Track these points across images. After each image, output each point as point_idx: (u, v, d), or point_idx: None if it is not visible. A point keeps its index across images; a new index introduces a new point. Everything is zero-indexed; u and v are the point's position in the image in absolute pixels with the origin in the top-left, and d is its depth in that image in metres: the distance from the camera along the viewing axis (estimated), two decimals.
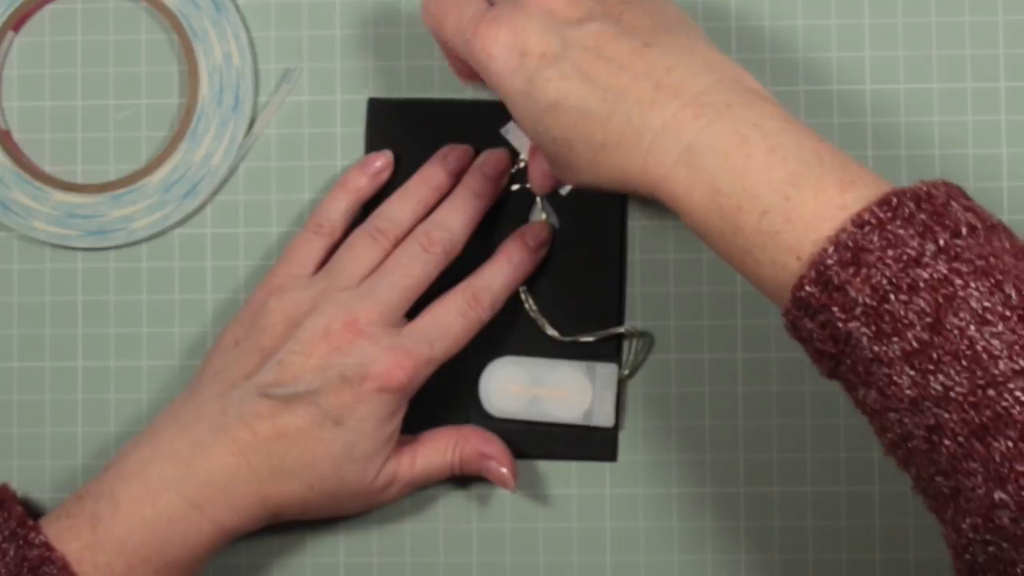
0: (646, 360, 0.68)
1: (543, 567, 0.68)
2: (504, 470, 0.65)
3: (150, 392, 0.70)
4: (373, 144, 0.69)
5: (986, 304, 0.49)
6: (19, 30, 0.70)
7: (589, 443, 0.68)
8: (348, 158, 0.69)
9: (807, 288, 0.51)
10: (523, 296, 0.68)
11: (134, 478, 0.61)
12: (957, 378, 0.49)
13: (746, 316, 0.68)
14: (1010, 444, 0.48)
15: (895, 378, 0.50)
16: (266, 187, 0.70)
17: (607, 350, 0.68)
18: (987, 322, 0.49)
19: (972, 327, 0.49)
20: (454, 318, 0.64)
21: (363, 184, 0.67)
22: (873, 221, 0.51)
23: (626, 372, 0.68)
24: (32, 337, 0.70)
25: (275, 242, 0.69)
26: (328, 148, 0.70)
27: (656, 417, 0.68)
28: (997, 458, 0.48)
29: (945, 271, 0.49)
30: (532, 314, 0.68)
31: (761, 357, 0.68)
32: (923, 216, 0.51)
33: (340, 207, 0.67)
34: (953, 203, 0.51)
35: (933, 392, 0.49)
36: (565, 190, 0.68)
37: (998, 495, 0.48)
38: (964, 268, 0.49)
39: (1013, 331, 0.48)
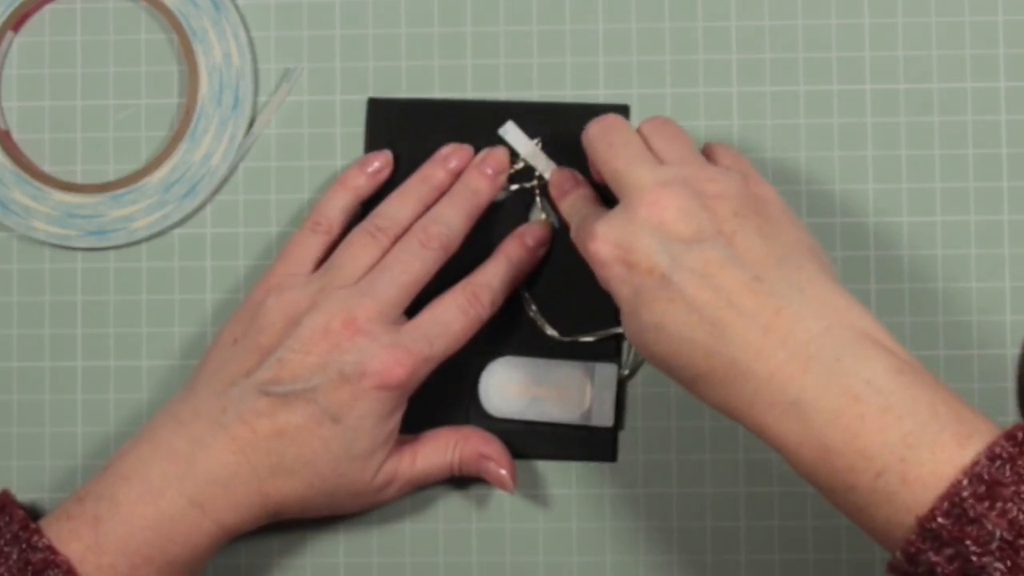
0: (646, 360, 0.68)
1: (543, 567, 0.68)
2: (503, 471, 0.65)
3: (150, 392, 0.69)
4: (373, 144, 0.69)
5: None
6: (19, 30, 0.70)
7: (589, 443, 0.68)
8: (348, 158, 0.69)
9: (939, 520, 0.50)
10: (523, 296, 0.68)
11: (134, 477, 0.61)
12: None
13: None
14: None
15: None
16: (266, 187, 0.70)
17: (607, 350, 0.68)
18: None
19: None
20: (454, 315, 0.64)
21: (361, 183, 0.67)
22: (1004, 455, 0.50)
23: (626, 372, 0.68)
24: (32, 337, 0.70)
25: (275, 242, 0.69)
26: (328, 148, 0.70)
27: (656, 417, 0.68)
28: None
29: None
30: (532, 314, 0.68)
31: None
32: None
33: (338, 205, 0.67)
34: None
35: None
36: None
37: None
38: None
39: None
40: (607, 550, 0.68)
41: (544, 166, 0.68)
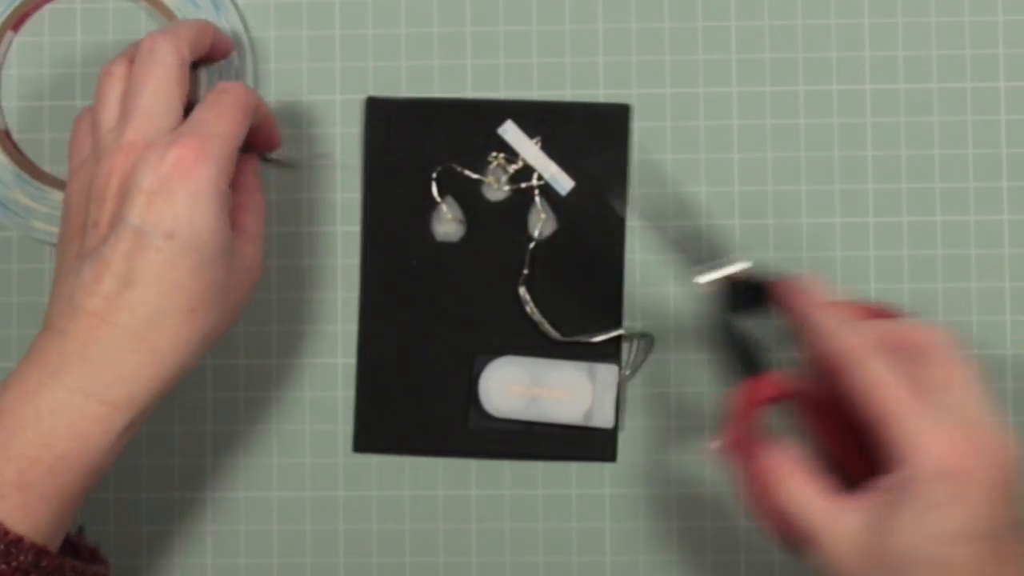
0: (646, 360, 0.68)
1: (543, 567, 0.68)
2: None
3: None
4: (372, 143, 0.69)
5: None
6: (18, 30, 0.70)
7: (589, 443, 0.68)
8: (348, 158, 0.69)
9: None
10: (523, 296, 0.68)
11: (12, 385, 0.59)
12: None
13: None
14: None
15: None
16: (266, 187, 0.70)
17: (607, 350, 0.68)
18: None
19: None
20: (211, 114, 0.61)
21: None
22: None
23: (626, 372, 0.68)
24: (32, 337, 0.70)
25: (275, 241, 0.69)
26: (327, 148, 0.70)
27: (656, 417, 0.68)
28: None
29: None
30: (532, 315, 0.68)
31: None
32: None
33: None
34: None
35: None
36: (565, 190, 0.69)
37: None
38: None
39: None
40: (607, 550, 0.68)
41: (544, 166, 0.69)
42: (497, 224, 0.69)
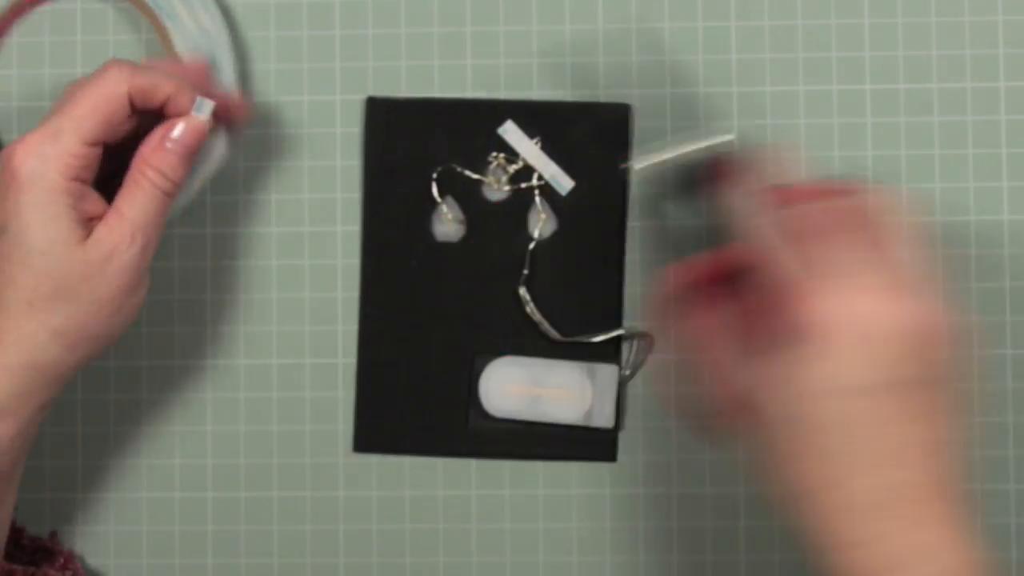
0: (646, 360, 0.68)
1: (543, 567, 0.68)
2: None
3: (150, 392, 0.69)
4: (372, 144, 0.69)
5: None
6: (13, 22, 0.70)
7: (589, 443, 0.68)
8: (348, 158, 0.69)
9: None
10: (523, 296, 0.68)
11: None
12: None
13: None
14: None
15: None
16: (266, 187, 0.70)
17: (607, 350, 0.68)
18: None
19: None
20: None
21: None
22: None
23: (626, 372, 0.68)
24: None
25: (275, 242, 0.69)
26: (328, 148, 0.70)
27: (656, 417, 0.68)
28: None
29: None
30: (532, 315, 0.68)
31: None
32: None
33: None
34: None
35: None
36: (565, 190, 0.69)
37: None
38: None
39: None
40: (607, 550, 0.68)
41: (544, 166, 0.69)
42: (497, 224, 0.69)
